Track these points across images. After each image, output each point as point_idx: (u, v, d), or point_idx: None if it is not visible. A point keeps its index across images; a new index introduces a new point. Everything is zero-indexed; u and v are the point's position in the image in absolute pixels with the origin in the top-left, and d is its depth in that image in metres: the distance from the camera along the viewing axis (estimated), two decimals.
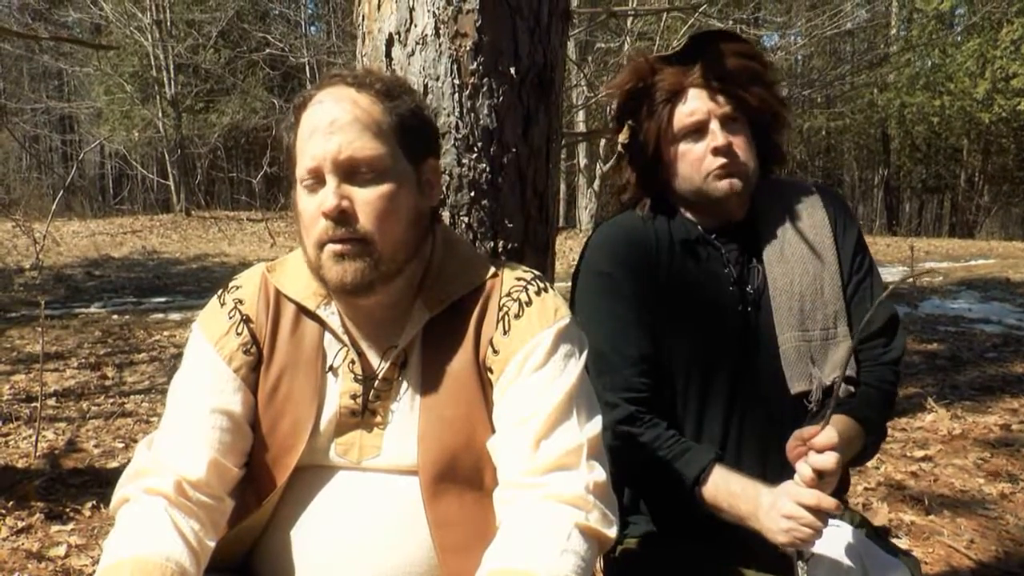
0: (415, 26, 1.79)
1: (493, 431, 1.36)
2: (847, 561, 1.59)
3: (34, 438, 4.32)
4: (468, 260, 1.46)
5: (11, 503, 3.50)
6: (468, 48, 1.77)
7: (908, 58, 21.81)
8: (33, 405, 4.94)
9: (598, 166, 13.52)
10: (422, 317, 1.39)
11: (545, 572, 1.15)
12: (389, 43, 1.83)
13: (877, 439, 1.76)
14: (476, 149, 1.80)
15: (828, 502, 1.48)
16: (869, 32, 22.76)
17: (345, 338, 1.40)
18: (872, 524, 1.84)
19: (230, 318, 1.42)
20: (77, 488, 3.79)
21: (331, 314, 1.41)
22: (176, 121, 21.01)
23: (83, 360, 6.42)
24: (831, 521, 1.66)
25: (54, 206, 13.75)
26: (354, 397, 1.38)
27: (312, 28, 25.87)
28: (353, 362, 1.39)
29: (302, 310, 1.43)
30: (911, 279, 2.10)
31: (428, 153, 1.41)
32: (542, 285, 1.43)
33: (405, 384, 1.39)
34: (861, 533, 1.71)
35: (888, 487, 3.78)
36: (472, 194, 1.80)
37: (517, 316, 1.37)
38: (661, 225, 1.81)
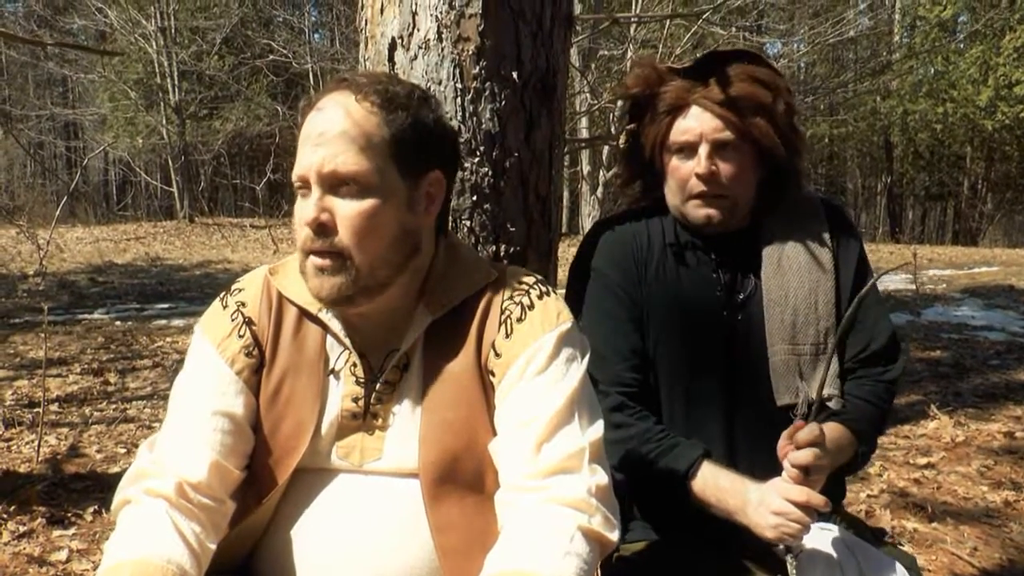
0: (418, 30, 1.79)
1: (495, 434, 1.36)
2: (843, 560, 1.60)
3: (36, 443, 4.32)
4: (470, 264, 1.46)
5: (13, 508, 3.50)
6: (471, 52, 1.78)
7: (911, 65, 21.79)
8: (36, 410, 4.94)
9: (601, 173, 13.53)
10: (424, 321, 1.38)
11: (548, 574, 1.15)
12: (392, 47, 1.83)
13: (868, 450, 1.77)
14: (478, 153, 1.80)
15: (817, 499, 1.49)
16: (872, 39, 22.78)
17: (347, 341, 1.39)
18: (868, 526, 1.84)
19: (232, 320, 1.43)
20: (79, 493, 3.79)
21: (332, 317, 1.41)
22: (180, 128, 21.05)
23: (86, 366, 6.42)
24: (825, 523, 1.67)
25: (58, 212, 13.79)
26: (356, 400, 1.38)
27: (316, 35, 25.94)
28: (355, 365, 1.39)
29: (304, 313, 1.43)
30: (889, 272, 2.13)
31: (431, 166, 1.37)
32: (544, 289, 1.43)
33: (407, 387, 1.39)
34: (856, 534, 1.72)
35: (891, 494, 3.77)
36: (474, 198, 1.81)
37: (520, 320, 1.37)
38: (655, 227, 1.83)
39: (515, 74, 1.82)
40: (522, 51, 1.83)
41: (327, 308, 1.38)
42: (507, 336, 1.37)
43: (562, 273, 2.06)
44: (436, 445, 1.34)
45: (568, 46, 2.04)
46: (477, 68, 1.78)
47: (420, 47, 1.79)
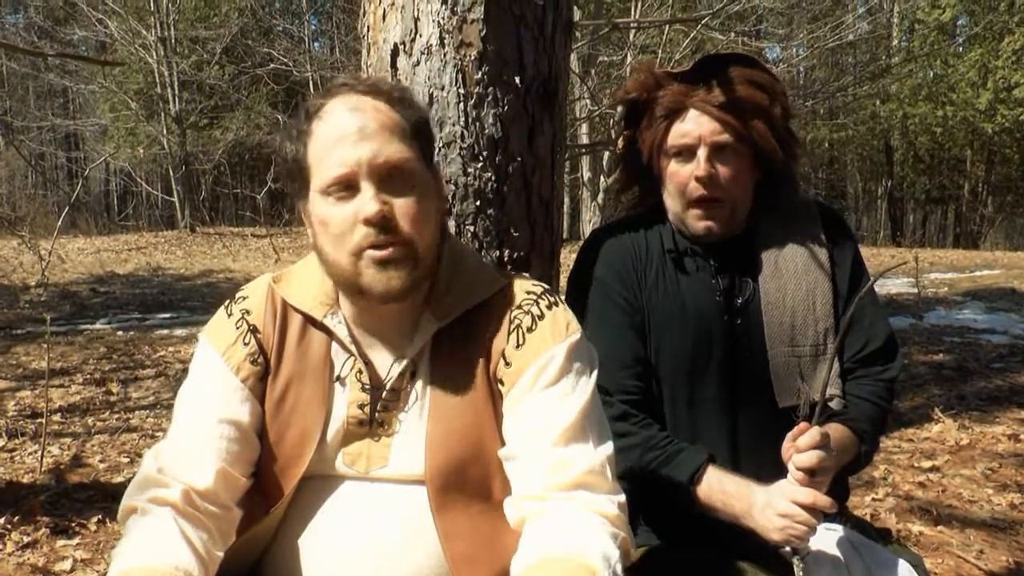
0: (420, 36, 1.79)
1: (502, 443, 1.36)
2: (850, 560, 1.60)
3: (39, 453, 4.32)
4: (476, 271, 1.46)
5: (17, 518, 3.49)
6: (473, 58, 1.78)
7: (910, 69, 21.83)
8: (38, 421, 4.94)
9: (602, 179, 13.54)
10: (431, 328, 1.38)
11: (597, 554, 1.15)
12: (394, 53, 1.83)
13: (870, 450, 1.77)
14: (481, 158, 1.80)
15: (823, 500, 1.49)
16: (871, 43, 22.81)
17: (352, 348, 1.39)
18: (873, 526, 1.84)
19: (237, 328, 1.43)
20: (83, 503, 3.78)
21: (338, 323, 1.40)
22: (180, 137, 21.08)
23: (88, 376, 6.42)
24: (830, 525, 1.67)
25: (59, 223, 13.81)
26: (362, 407, 1.38)
27: (316, 44, 25.99)
28: (360, 372, 1.39)
29: (309, 320, 1.42)
30: (887, 271, 2.12)
31: (433, 159, 1.42)
32: (553, 299, 1.43)
33: (414, 394, 1.39)
34: (862, 535, 1.72)
35: (896, 497, 3.76)
36: (478, 203, 1.80)
37: (530, 329, 1.37)
38: (653, 234, 1.83)
39: (517, 79, 1.82)
40: (524, 56, 1.83)
41: (368, 305, 1.36)
42: (517, 346, 1.36)
43: (564, 279, 2.06)
44: (443, 452, 1.34)
45: (568, 52, 2.04)
46: (480, 73, 1.78)
47: (422, 53, 1.79)
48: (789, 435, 1.56)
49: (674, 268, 1.80)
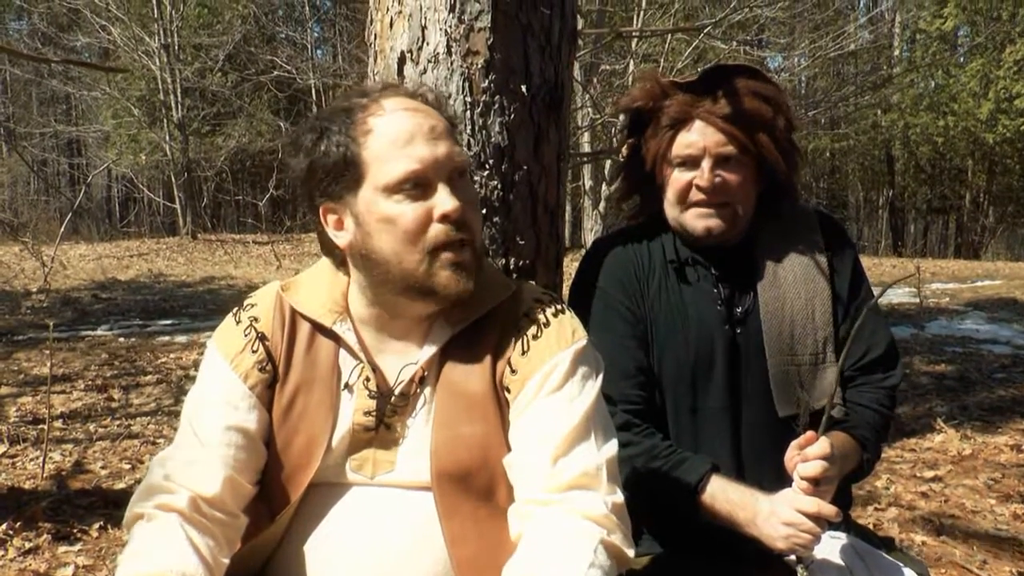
0: (427, 44, 1.80)
1: (509, 450, 1.36)
2: (854, 568, 1.60)
3: (41, 459, 4.32)
4: (488, 278, 1.46)
5: (19, 524, 3.49)
6: (480, 66, 1.79)
7: (912, 79, 21.83)
8: (40, 427, 4.93)
9: (603, 188, 13.55)
10: (444, 334, 1.39)
11: None
12: (401, 61, 1.84)
13: (872, 458, 1.77)
14: (488, 166, 1.81)
15: (828, 509, 1.50)
16: (872, 53, 22.80)
17: (361, 354, 1.40)
18: (877, 534, 1.84)
19: (246, 336, 1.42)
20: (84, 509, 3.78)
21: (347, 330, 1.41)
22: (183, 144, 21.07)
23: (90, 382, 6.41)
24: (835, 533, 1.67)
25: (62, 229, 13.85)
26: (368, 413, 1.38)
27: (318, 51, 26.06)
28: (368, 379, 1.39)
29: (317, 327, 1.43)
30: (895, 284, 2.11)
31: None
32: (560, 307, 1.44)
33: (422, 400, 1.39)
34: (866, 543, 1.72)
35: (898, 507, 3.75)
36: (484, 211, 1.81)
37: (535, 337, 1.38)
38: (655, 244, 1.84)
39: (524, 87, 1.83)
40: (531, 64, 1.84)
41: (448, 305, 1.37)
42: (523, 353, 1.37)
43: (566, 288, 2.06)
44: (449, 458, 1.34)
45: (572, 60, 2.05)
46: (486, 82, 1.79)
47: (429, 61, 1.80)
48: (794, 444, 1.56)
49: (676, 278, 1.80)
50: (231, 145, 23.00)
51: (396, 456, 1.38)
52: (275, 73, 20.56)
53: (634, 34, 9.83)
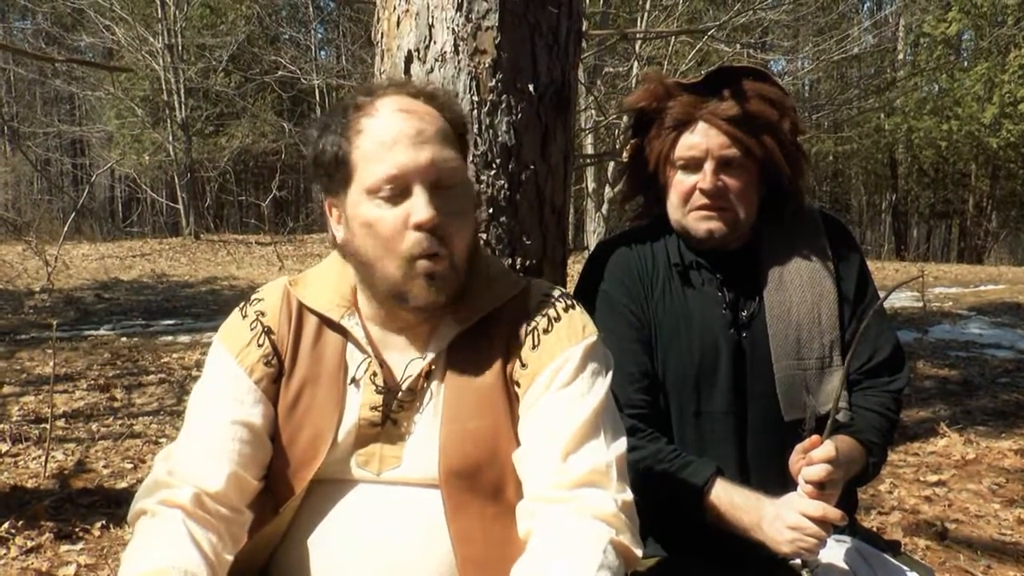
0: (434, 43, 1.79)
1: (518, 444, 1.35)
2: (860, 572, 1.60)
3: (44, 458, 4.32)
4: (497, 275, 1.46)
5: (21, 523, 3.49)
6: (487, 65, 1.78)
7: (915, 83, 21.80)
8: (43, 426, 4.93)
9: (606, 190, 13.54)
10: (452, 330, 1.39)
11: None
12: (408, 60, 1.83)
13: (878, 461, 1.77)
14: (495, 166, 1.80)
15: (833, 513, 1.49)
16: (876, 57, 22.79)
17: (369, 349, 1.39)
18: (882, 538, 1.83)
19: (252, 329, 1.42)
20: (87, 508, 3.78)
21: (355, 324, 1.41)
22: (186, 145, 21.10)
23: (92, 382, 6.41)
24: (840, 536, 1.66)
25: (65, 229, 13.86)
26: (374, 408, 1.38)
27: (322, 52, 26.07)
28: (375, 374, 1.39)
29: (325, 322, 1.42)
30: (901, 286, 2.11)
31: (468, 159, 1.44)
32: (570, 302, 1.43)
33: (429, 395, 1.39)
34: (872, 546, 1.72)
35: (902, 511, 3.74)
36: (491, 211, 1.80)
37: (546, 331, 1.38)
38: (659, 247, 1.83)
39: (531, 87, 1.82)
40: (538, 64, 1.83)
41: (405, 311, 1.36)
42: (534, 347, 1.37)
43: (568, 290, 2.06)
44: (458, 454, 1.34)
45: (578, 61, 2.04)
46: (494, 81, 1.79)
47: (436, 60, 1.80)
48: (799, 447, 1.56)
49: (680, 281, 1.79)
50: (234, 146, 23.04)
51: (403, 452, 1.37)
52: (279, 74, 20.49)
53: (638, 36, 9.81)
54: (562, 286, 1.98)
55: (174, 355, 7.57)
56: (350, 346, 1.42)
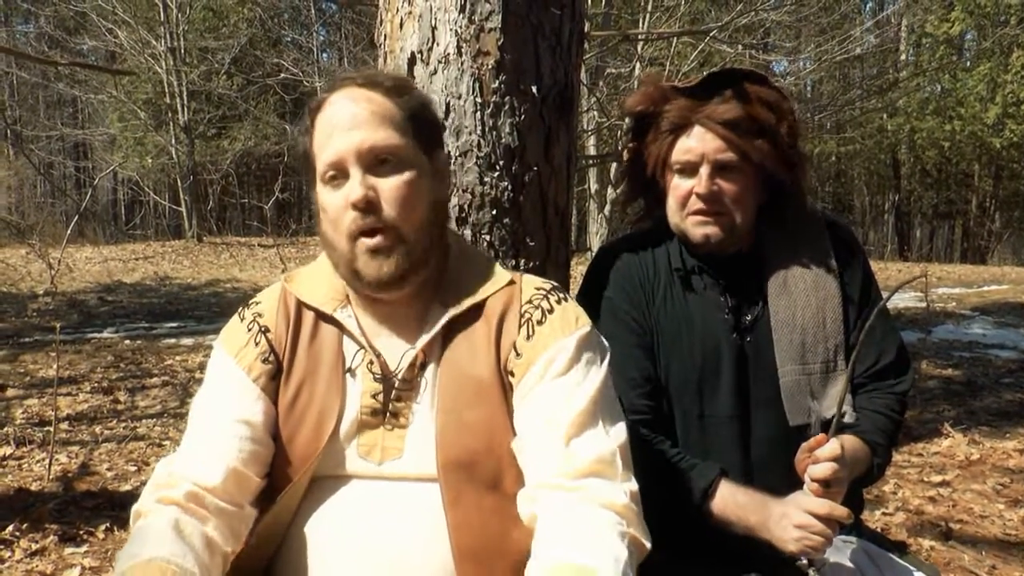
0: (437, 45, 1.80)
1: (514, 434, 1.36)
2: (866, 571, 1.59)
3: (47, 461, 4.32)
4: (485, 266, 1.49)
5: (25, 525, 3.49)
6: (490, 67, 1.78)
7: (918, 83, 21.78)
8: (46, 429, 4.94)
9: (609, 191, 13.54)
10: (440, 318, 1.40)
11: (608, 571, 1.13)
12: (411, 62, 1.84)
13: (883, 462, 1.76)
14: (498, 167, 1.80)
15: (839, 511, 1.49)
16: (879, 57, 22.79)
17: (362, 340, 1.41)
18: (888, 538, 1.83)
19: (249, 330, 1.46)
20: (91, 511, 3.78)
21: (348, 316, 1.44)
22: (189, 147, 21.13)
23: (96, 385, 6.42)
24: (847, 537, 1.66)
25: (68, 232, 13.87)
26: (375, 396, 1.40)
27: (324, 55, 26.08)
28: (371, 363, 1.41)
29: (320, 315, 1.45)
30: (904, 285, 2.09)
31: (437, 145, 1.47)
32: (562, 295, 1.46)
33: (425, 384, 1.40)
34: (878, 546, 1.72)
35: (906, 512, 3.73)
36: (494, 212, 1.80)
37: (540, 322, 1.40)
38: (660, 252, 1.82)
39: (534, 88, 1.82)
40: (541, 65, 1.83)
41: (371, 293, 1.40)
42: (528, 338, 1.38)
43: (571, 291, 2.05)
44: (455, 444, 1.35)
45: (580, 62, 2.04)
46: (496, 82, 1.79)
47: (440, 62, 1.80)
48: (804, 446, 1.56)
49: (681, 286, 1.79)
50: (237, 148, 23.08)
51: (403, 442, 1.39)
52: (281, 76, 20.59)
53: (640, 37, 9.82)
54: (566, 287, 1.99)
55: (177, 357, 7.57)
56: (346, 338, 1.44)
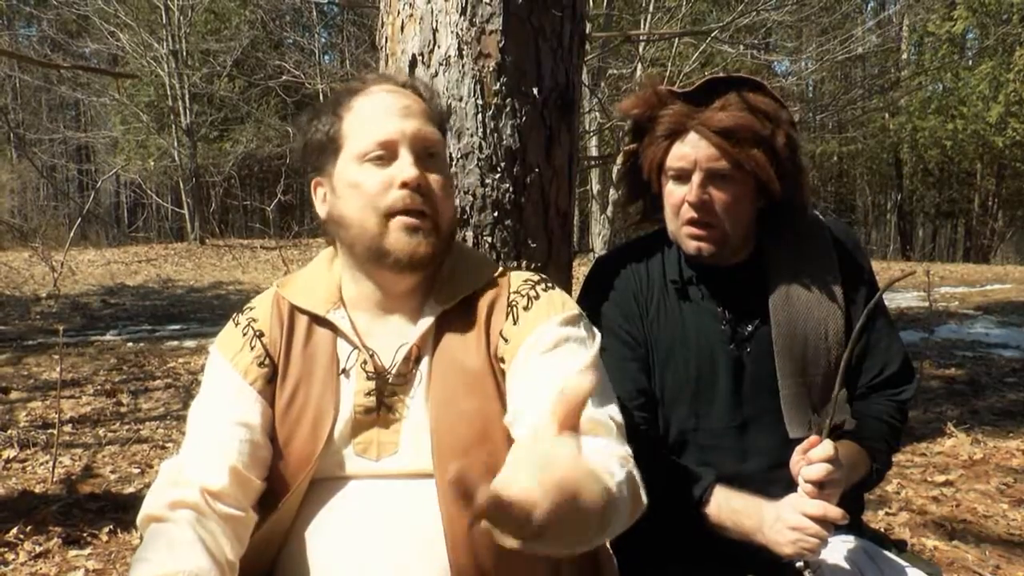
0: (438, 47, 1.80)
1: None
2: (867, 571, 1.59)
3: (51, 464, 4.32)
4: (477, 261, 1.53)
5: (29, 528, 3.49)
6: (491, 69, 1.78)
7: (920, 82, 21.76)
8: (50, 431, 4.95)
9: (611, 192, 13.55)
10: (433, 313, 1.42)
11: (614, 480, 1.12)
12: (412, 64, 1.84)
13: (882, 467, 1.75)
14: (499, 169, 1.80)
15: (834, 512, 1.49)
16: (880, 57, 22.78)
17: (356, 339, 1.43)
18: (889, 537, 1.82)
19: (244, 335, 1.47)
20: (94, 513, 3.78)
21: (342, 318, 1.45)
22: (191, 150, 21.15)
23: (99, 387, 6.43)
24: (845, 537, 1.66)
25: (71, 235, 13.90)
26: (368, 394, 1.41)
27: (326, 57, 26.07)
28: (365, 362, 1.42)
29: (313, 318, 1.47)
30: (894, 283, 2.08)
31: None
32: (549, 285, 1.48)
33: (419, 378, 1.42)
34: (879, 546, 1.71)
35: (909, 512, 3.73)
36: (495, 214, 1.80)
37: (526, 308, 1.43)
38: (655, 263, 1.81)
39: (535, 90, 1.82)
40: (542, 67, 1.83)
41: (390, 271, 1.41)
42: (514, 323, 1.41)
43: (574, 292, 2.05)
44: (450, 435, 1.36)
45: (581, 64, 2.04)
46: (498, 84, 1.79)
47: (441, 64, 1.80)
48: (798, 448, 1.55)
49: (677, 298, 1.77)
50: (239, 150, 23.11)
51: (399, 437, 1.40)
52: (283, 78, 20.55)
53: (641, 38, 9.83)
54: (568, 289, 1.99)
55: (180, 360, 7.58)
56: (340, 340, 1.45)
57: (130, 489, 4.14)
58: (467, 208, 1.79)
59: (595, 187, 13.44)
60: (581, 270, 2.01)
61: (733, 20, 9.74)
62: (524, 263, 1.84)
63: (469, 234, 1.79)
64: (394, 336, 1.44)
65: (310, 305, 1.47)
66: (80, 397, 6.13)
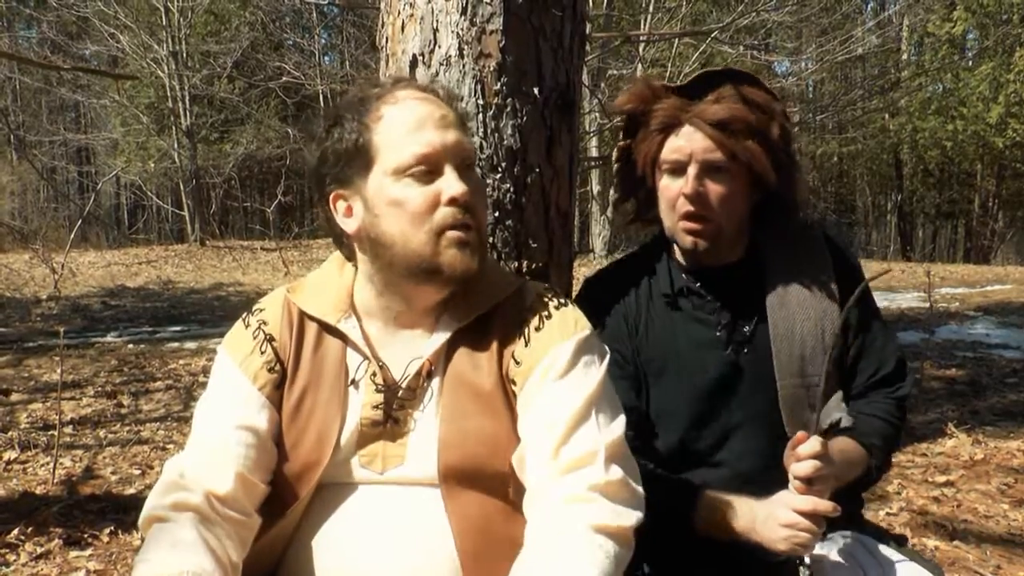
0: (439, 47, 1.80)
1: (519, 441, 1.37)
2: (866, 565, 1.59)
3: (52, 465, 4.33)
4: (492, 275, 1.48)
5: (30, 529, 3.49)
6: (492, 69, 1.78)
7: (920, 83, 21.76)
8: (51, 433, 4.95)
9: (611, 192, 13.56)
10: (449, 328, 1.40)
11: None
12: (413, 64, 1.84)
13: (880, 465, 1.75)
14: (500, 169, 1.80)
15: (824, 506, 1.48)
16: (880, 57, 22.77)
17: (366, 350, 1.41)
18: (889, 532, 1.82)
19: (254, 338, 1.45)
20: (95, 514, 3.78)
21: (352, 327, 1.43)
22: (191, 151, 21.14)
23: (99, 389, 6.43)
24: (844, 533, 1.66)
25: (71, 237, 13.92)
26: (376, 407, 1.39)
27: (326, 58, 26.08)
28: (375, 374, 1.40)
29: (323, 327, 1.45)
30: (873, 280, 2.08)
31: None
32: (562, 300, 1.46)
33: (429, 392, 1.40)
34: (878, 541, 1.71)
35: (910, 512, 3.73)
36: (496, 214, 1.80)
37: (538, 329, 1.40)
38: (644, 278, 1.81)
39: (536, 90, 1.82)
40: (543, 67, 1.83)
41: (429, 285, 1.39)
42: (526, 345, 1.39)
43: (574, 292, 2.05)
44: (457, 452, 1.35)
45: (582, 64, 2.04)
46: (498, 84, 1.79)
47: (441, 64, 1.80)
48: (789, 444, 1.55)
49: (668, 310, 1.77)
50: (239, 152, 23.12)
51: (406, 450, 1.38)
52: (283, 79, 20.59)
53: (642, 38, 9.84)
54: (568, 290, 1.99)
55: (181, 361, 7.59)
56: (350, 349, 1.44)
57: (131, 490, 4.15)
58: None
59: (595, 187, 13.46)
60: (582, 271, 2.00)
61: (733, 20, 9.75)
62: (524, 263, 1.84)
63: None
64: (406, 349, 1.42)
65: (320, 313, 1.44)
66: (81, 399, 6.14)
